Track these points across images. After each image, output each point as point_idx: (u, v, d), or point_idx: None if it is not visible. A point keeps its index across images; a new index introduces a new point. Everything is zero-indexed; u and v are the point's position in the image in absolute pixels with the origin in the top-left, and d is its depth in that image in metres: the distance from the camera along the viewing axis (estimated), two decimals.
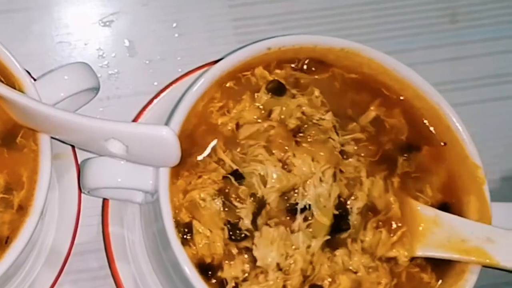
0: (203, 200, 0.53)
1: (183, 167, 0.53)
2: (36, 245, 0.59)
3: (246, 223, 0.53)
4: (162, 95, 0.65)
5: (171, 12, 0.73)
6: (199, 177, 0.54)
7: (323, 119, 0.56)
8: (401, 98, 0.58)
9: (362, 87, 0.58)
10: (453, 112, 0.56)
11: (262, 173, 0.53)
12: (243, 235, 0.52)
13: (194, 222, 0.53)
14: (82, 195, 0.63)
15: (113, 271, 0.61)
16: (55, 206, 0.62)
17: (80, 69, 0.57)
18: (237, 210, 0.53)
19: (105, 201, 0.62)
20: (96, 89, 0.58)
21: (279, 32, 0.58)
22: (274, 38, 0.57)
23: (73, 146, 0.63)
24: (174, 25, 0.73)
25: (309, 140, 0.55)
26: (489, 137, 0.71)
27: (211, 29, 0.72)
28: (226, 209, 0.53)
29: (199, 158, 0.54)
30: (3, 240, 0.51)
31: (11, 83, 0.54)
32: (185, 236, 0.53)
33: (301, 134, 0.55)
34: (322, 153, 0.55)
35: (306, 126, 0.55)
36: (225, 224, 0.53)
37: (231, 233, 0.52)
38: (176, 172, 0.53)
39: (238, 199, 0.53)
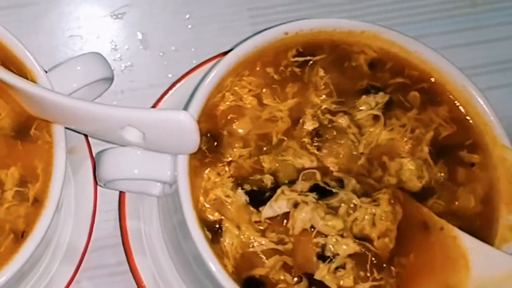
0: (228, 196, 0.52)
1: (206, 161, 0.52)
2: (53, 240, 0.58)
3: (269, 179, 0.52)
4: (177, 86, 0.64)
5: (183, 3, 0.72)
6: (218, 174, 0.52)
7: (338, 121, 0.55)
8: (432, 80, 0.56)
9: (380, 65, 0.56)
10: (480, 94, 0.55)
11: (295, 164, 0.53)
12: (267, 194, 0.51)
13: (224, 221, 0.51)
14: (98, 189, 0.61)
15: (132, 266, 0.59)
16: (71, 201, 0.60)
17: (93, 59, 0.56)
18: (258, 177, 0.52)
19: (121, 195, 0.61)
20: (110, 80, 0.57)
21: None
22: (292, 22, 0.55)
23: (87, 140, 0.62)
24: (187, 16, 0.71)
25: (327, 144, 0.54)
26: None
27: (225, 19, 0.71)
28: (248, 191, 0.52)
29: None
30: (19, 234, 0.50)
31: (24, 74, 0.53)
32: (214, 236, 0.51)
33: (319, 139, 0.54)
34: (341, 156, 0.54)
35: (321, 128, 0.54)
36: (246, 193, 0.52)
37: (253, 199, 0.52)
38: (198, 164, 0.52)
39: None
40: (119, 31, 0.70)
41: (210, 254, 0.49)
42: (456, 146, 0.54)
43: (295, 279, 0.51)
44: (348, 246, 0.50)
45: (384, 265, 0.50)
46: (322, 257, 0.50)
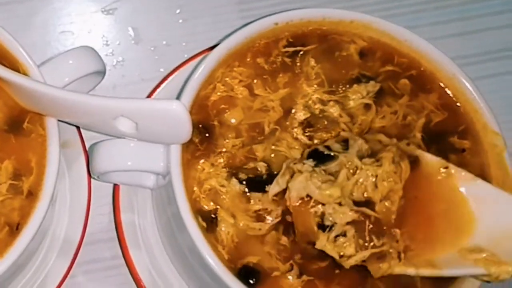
0: (223, 186, 0.52)
1: (199, 153, 0.53)
2: (48, 234, 0.58)
3: (263, 166, 0.52)
4: (168, 80, 0.64)
5: None
6: (212, 164, 0.53)
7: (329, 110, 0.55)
8: (422, 68, 0.56)
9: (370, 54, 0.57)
10: (470, 81, 0.55)
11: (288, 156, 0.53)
12: (264, 177, 0.52)
13: (219, 210, 0.52)
14: (92, 184, 0.62)
15: (127, 259, 0.59)
16: (66, 195, 0.60)
17: (85, 53, 0.56)
18: (252, 165, 0.52)
19: (115, 188, 0.61)
20: (102, 73, 0.57)
21: None
22: (282, 13, 0.56)
23: (80, 134, 0.62)
24: (178, 11, 0.72)
25: (319, 133, 0.54)
26: (501, 112, 0.69)
27: (216, 13, 0.71)
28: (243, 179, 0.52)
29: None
30: (13, 226, 0.50)
31: (16, 69, 0.53)
32: (210, 225, 0.52)
33: (311, 129, 0.54)
34: None
35: (312, 118, 0.54)
36: (244, 181, 0.52)
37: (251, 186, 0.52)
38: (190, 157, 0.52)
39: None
40: (111, 27, 0.70)
41: (204, 243, 0.49)
42: (447, 133, 0.55)
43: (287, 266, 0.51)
44: (344, 215, 0.49)
45: (385, 228, 0.50)
46: (321, 226, 0.50)
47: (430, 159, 0.52)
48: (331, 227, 0.50)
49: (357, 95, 0.55)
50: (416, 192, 0.51)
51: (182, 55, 0.69)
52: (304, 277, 0.51)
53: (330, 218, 0.50)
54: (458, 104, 0.56)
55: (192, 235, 0.49)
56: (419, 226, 0.50)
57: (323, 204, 0.50)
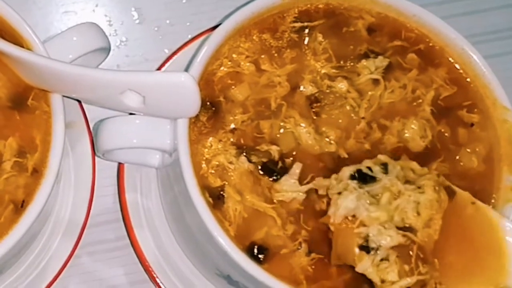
0: (231, 163, 0.51)
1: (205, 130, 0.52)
2: (53, 214, 0.57)
3: (276, 150, 0.52)
4: (172, 59, 0.64)
5: None
6: (220, 140, 0.52)
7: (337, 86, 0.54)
8: (430, 44, 0.56)
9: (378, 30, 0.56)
10: (479, 56, 0.55)
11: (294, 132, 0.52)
12: (279, 166, 0.51)
13: (226, 187, 0.51)
14: (97, 165, 0.61)
15: (132, 240, 0.59)
16: (70, 176, 0.60)
17: (89, 29, 0.55)
18: (266, 148, 0.51)
19: (120, 167, 0.60)
20: (107, 50, 0.56)
21: None
22: None
23: (85, 114, 0.61)
24: None
25: (326, 109, 0.53)
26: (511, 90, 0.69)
27: None
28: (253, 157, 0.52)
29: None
30: (18, 204, 0.49)
31: (20, 45, 0.52)
32: (216, 202, 0.51)
33: (318, 104, 0.53)
34: (340, 121, 0.53)
35: (320, 94, 0.54)
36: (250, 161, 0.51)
37: (265, 171, 0.51)
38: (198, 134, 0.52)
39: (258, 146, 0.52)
40: (113, 6, 0.70)
41: (211, 218, 0.48)
42: (456, 107, 0.54)
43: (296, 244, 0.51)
44: (392, 237, 0.47)
45: (429, 257, 0.48)
46: (364, 248, 0.48)
47: (459, 192, 0.50)
48: (375, 250, 0.47)
49: (366, 71, 0.54)
50: (451, 224, 0.49)
51: (186, 35, 0.68)
52: (314, 255, 0.51)
53: (375, 240, 0.47)
54: (468, 79, 0.55)
55: (199, 211, 0.49)
56: (452, 260, 0.48)
57: (365, 226, 0.48)
